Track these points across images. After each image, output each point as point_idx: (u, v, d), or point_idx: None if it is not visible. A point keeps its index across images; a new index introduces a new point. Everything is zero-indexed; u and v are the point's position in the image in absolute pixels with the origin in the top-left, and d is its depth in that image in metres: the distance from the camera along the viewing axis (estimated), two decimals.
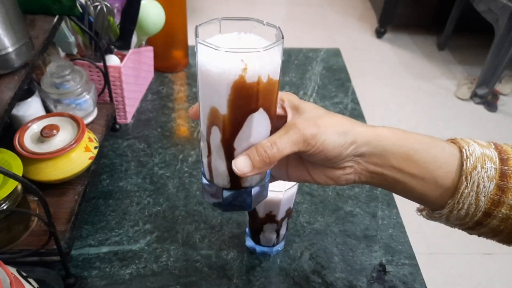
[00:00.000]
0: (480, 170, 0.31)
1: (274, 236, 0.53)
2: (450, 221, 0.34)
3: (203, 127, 0.32)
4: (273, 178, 0.37)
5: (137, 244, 0.56)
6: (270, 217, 0.50)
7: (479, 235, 0.35)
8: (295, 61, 0.93)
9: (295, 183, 0.48)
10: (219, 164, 0.32)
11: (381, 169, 0.33)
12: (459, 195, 0.32)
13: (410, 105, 1.95)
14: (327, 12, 2.58)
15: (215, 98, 0.29)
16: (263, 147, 0.31)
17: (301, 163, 0.35)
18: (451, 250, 1.36)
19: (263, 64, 0.28)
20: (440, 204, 0.33)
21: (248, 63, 0.27)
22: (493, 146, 0.33)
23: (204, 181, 0.34)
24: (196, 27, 0.28)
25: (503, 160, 0.32)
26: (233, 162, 0.31)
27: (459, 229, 0.35)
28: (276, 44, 0.28)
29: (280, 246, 0.56)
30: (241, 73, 0.27)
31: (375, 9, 2.47)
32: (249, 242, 0.56)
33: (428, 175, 0.33)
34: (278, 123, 0.34)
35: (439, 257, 1.34)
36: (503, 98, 2.01)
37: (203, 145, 0.33)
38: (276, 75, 0.30)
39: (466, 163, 0.31)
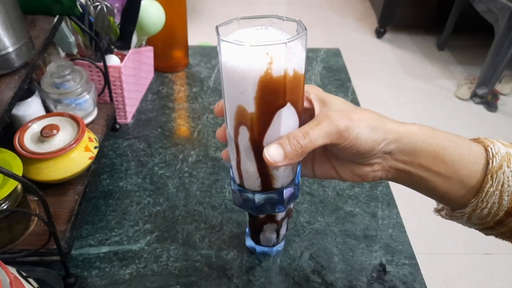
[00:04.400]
0: (506, 169, 0.31)
1: (274, 236, 0.53)
2: (471, 220, 0.33)
3: (230, 129, 0.31)
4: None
5: (137, 244, 0.56)
6: (270, 217, 0.50)
7: (496, 236, 0.34)
8: None
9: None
10: (249, 165, 0.31)
11: (409, 167, 0.33)
12: (484, 193, 0.31)
13: (410, 105, 1.95)
14: (327, 12, 2.58)
15: (242, 97, 0.28)
16: (296, 137, 0.30)
17: (327, 160, 0.35)
18: (451, 250, 1.36)
19: (288, 57, 0.27)
20: (462, 203, 0.33)
21: (274, 56, 0.26)
22: None
23: (234, 186, 0.33)
24: (217, 27, 0.27)
25: None
26: (265, 149, 0.30)
27: (476, 229, 0.35)
28: (300, 36, 0.27)
29: (280, 246, 0.56)
30: (267, 67, 0.27)
31: (375, 10, 2.47)
32: (249, 242, 0.56)
33: (454, 174, 0.32)
34: (304, 116, 0.33)
35: (439, 257, 1.34)
36: (503, 98, 2.01)
37: (230, 148, 0.32)
38: (301, 69, 0.29)
39: (492, 162, 0.31)
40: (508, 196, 0.31)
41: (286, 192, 0.33)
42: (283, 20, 0.29)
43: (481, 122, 1.89)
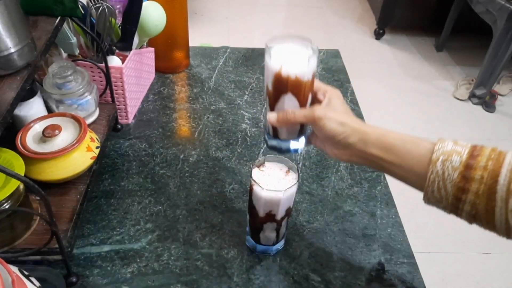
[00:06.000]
0: (445, 160, 0.40)
1: (274, 235, 0.53)
2: (431, 202, 0.43)
3: (265, 97, 0.50)
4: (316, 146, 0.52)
5: (138, 243, 0.56)
6: (270, 216, 0.51)
7: (465, 220, 0.42)
8: None
9: (295, 183, 0.49)
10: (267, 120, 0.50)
11: (366, 155, 0.45)
12: (428, 180, 0.41)
13: (408, 106, 1.95)
14: (326, 13, 2.59)
15: (267, 80, 0.47)
16: (287, 111, 0.47)
17: (324, 140, 0.49)
18: (449, 249, 1.37)
19: (292, 68, 0.45)
20: (421, 188, 0.43)
21: (282, 66, 0.45)
22: (471, 146, 0.41)
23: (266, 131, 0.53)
24: (266, 44, 0.47)
25: (473, 156, 0.40)
26: (268, 114, 0.49)
27: (448, 213, 0.43)
28: (304, 57, 0.44)
29: (280, 245, 0.56)
30: (279, 69, 0.45)
31: (373, 11, 2.48)
32: (249, 241, 0.56)
33: (404, 163, 0.43)
34: (316, 104, 0.49)
35: (437, 256, 1.34)
36: (501, 98, 2.02)
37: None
38: (303, 77, 0.45)
39: (433, 155, 0.41)
40: (450, 183, 0.40)
41: (288, 143, 0.51)
42: (311, 43, 0.47)
43: (479, 122, 1.89)
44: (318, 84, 0.50)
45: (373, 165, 0.46)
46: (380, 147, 0.44)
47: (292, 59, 0.45)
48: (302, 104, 0.48)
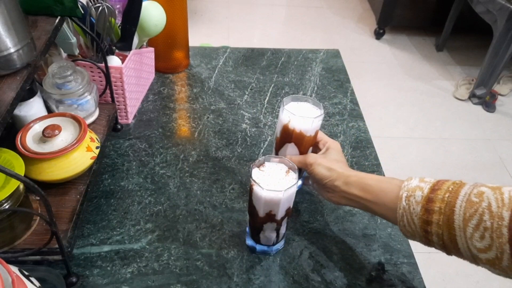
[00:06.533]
0: (409, 196, 0.45)
1: (274, 235, 0.53)
2: (408, 236, 0.47)
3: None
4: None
5: (138, 243, 0.56)
6: (270, 216, 0.51)
7: (442, 251, 0.45)
8: (295, 62, 0.93)
9: (295, 182, 0.49)
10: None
11: (350, 196, 0.51)
12: (398, 215, 0.46)
13: (408, 106, 1.95)
14: (326, 13, 2.59)
15: (277, 130, 0.58)
16: (286, 158, 0.53)
17: (315, 183, 0.57)
18: None
19: (297, 124, 0.54)
20: (395, 221, 0.47)
21: (290, 120, 0.54)
22: (434, 181, 0.45)
23: None
24: (283, 100, 0.56)
25: (433, 190, 0.43)
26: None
27: (426, 245, 0.46)
28: (310, 117, 0.54)
29: (280, 245, 0.56)
30: (287, 122, 0.55)
31: (373, 11, 2.48)
32: (249, 241, 0.56)
33: (379, 201, 0.48)
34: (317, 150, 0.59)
35: (437, 256, 1.34)
36: (501, 98, 2.02)
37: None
38: (306, 132, 0.55)
39: (400, 192, 0.46)
40: (416, 217, 0.44)
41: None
42: (320, 104, 0.56)
43: (479, 122, 1.89)
44: (321, 136, 0.58)
45: (358, 206, 0.52)
46: (360, 188, 0.50)
47: (299, 116, 0.53)
48: (302, 153, 0.57)
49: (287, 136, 0.56)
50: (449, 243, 0.42)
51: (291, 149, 0.57)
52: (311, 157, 0.54)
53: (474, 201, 0.40)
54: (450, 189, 0.43)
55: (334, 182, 0.52)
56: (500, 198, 0.39)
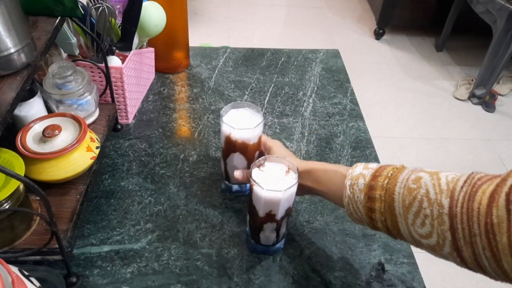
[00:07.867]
0: (353, 184, 0.45)
1: (274, 235, 0.53)
2: (358, 223, 0.48)
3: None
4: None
5: (138, 243, 0.56)
6: (270, 216, 0.51)
7: (390, 237, 0.45)
8: (295, 62, 0.93)
9: (295, 183, 0.49)
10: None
11: (305, 187, 0.52)
12: (344, 203, 0.47)
13: (408, 106, 1.95)
14: (326, 13, 2.59)
15: (221, 140, 0.59)
16: (245, 174, 0.57)
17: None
18: None
19: (239, 135, 0.55)
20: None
21: (231, 132, 0.55)
22: (376, 167, 0.45)
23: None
24: (221, 112, 0.57)
25: (374, 177, 0.44)
26: (235, 172, 0.58)
27: (375, 231, 0.47)
28: (250, 125, 0.55)
29: (280, 245, 0.56)
30: (228, 133, 0.56)
31: (373, 11, 2.48)
32: (249, 241, 0.56)
33: (328, 190, 0.50)
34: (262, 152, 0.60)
35: None
36: (501, 98, 2.02)
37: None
38: (249, 141, 0.56)
39: (345, 180, 0.46)
40: (361, 204, 0.44)
41: (236, 187, 0.63)
42: (262, 112, 0.58)
43: (479, 122, 1.89)
44: (263, 139, 0.59)
45: (316, 195, 0.53)
46: (311, 180, 0.51)
47: (239, 129, 0.54)
48: (249, 160, 0.58)
49: (231, 146, 0.57)
50: (393, 229, 0.43)
51: (237, 158, 0.58)
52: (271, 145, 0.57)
53: (412, 187, 0.40)
54: (390, 174, 0.43)
55: None
56: (437, 183, 0.39)
